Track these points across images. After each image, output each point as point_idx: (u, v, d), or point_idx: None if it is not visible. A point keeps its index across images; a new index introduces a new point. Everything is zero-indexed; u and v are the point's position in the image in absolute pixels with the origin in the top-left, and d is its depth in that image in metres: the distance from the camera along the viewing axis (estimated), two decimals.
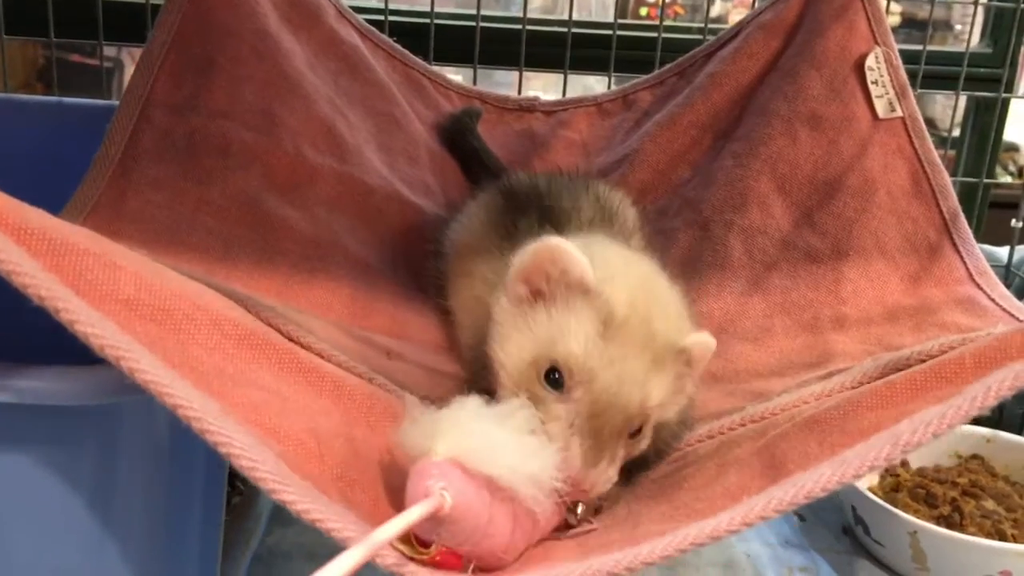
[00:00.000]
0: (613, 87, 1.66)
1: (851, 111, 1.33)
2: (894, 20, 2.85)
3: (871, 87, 1.33)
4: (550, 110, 1.63)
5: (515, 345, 0.83)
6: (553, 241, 0.83)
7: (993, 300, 1.19)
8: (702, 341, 0.86)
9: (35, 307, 0.60)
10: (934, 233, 1.29)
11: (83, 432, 0.73)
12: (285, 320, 0.92)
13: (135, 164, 1.14)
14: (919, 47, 1.64)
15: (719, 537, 0.62)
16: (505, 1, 3.09)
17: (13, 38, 1.63)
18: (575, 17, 1.66)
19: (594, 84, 2.24)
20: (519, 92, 1.70)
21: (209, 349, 0.76)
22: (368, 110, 1.42)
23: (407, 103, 1.51)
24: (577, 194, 1.20)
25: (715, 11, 3.48)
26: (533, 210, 1.12)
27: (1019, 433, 1.41)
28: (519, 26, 1.66)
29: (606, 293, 0.81)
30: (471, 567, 0.71)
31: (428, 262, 1.29)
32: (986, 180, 1.76)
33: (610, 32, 1.68)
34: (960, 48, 1.80)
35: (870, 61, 1.33)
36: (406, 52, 1.57)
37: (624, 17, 2.79)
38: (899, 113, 1.32)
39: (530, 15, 1.67)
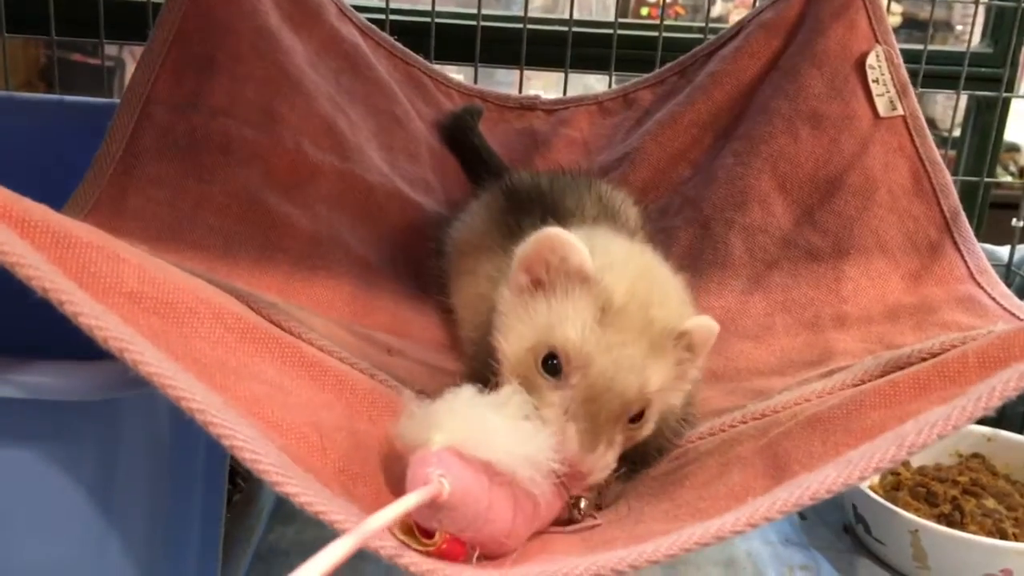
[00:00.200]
0: (614, 86, 1.66)
1: (852, 109, 1.33)
2: (895, 20, 2.85)
3: (872, 85, 1.33)
4: (551, 109, 1.63)
5: (516, 334, 0.84)
6: (554, 230, 0.84)
7: (994, 299, 1.19)
8: (703, 324, 0.86)
9: (38, 301, 0.60)
10: (935, 232, 1.29)
11: (84, 427, 0.73)
12: (287, 316, 0.92)
13: (136, 162, 1.14)
14: (920, 47, 1.64)
15: (724, 537, 0.62)
16: (506, 0, 3.09)
17: (14, 36, 1.63)
18: (576, 16, 1.66)
19: (595, 83, 2.24)
20: (520, 91, 1.70)
21: (212, 342, 0.76)
22: (369, 108, 1.42)
23: (408, 101, 1.51)
24: (580, 193, 1.20)
25: (716, 11, 3.48)
26: (536, 209, 1.12)
27: (1020, 432, 1.40)
28: (520, 25, 1.67)
29: (605, 281, 0.82)
30: (475, 554, 0.71)
31: (430, 260, 1.29)
32: (987, 179, 1.76)
33: (611, 31, 1.68)
34: (961, 48, 1.80)
35: (871, 59, 1.34)
36: (407, 51, 1.58)
37: (625, 16, 2.78)
38: (900, 111, 1.33)
39: (531, 14, 1.67)
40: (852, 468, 0.63)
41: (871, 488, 1.27)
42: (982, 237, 1.42)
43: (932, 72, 1.64)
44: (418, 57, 1.59)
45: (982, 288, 1.22)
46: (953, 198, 1.30)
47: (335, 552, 0.56)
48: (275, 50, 1.27)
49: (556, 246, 0.83)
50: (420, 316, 1.24)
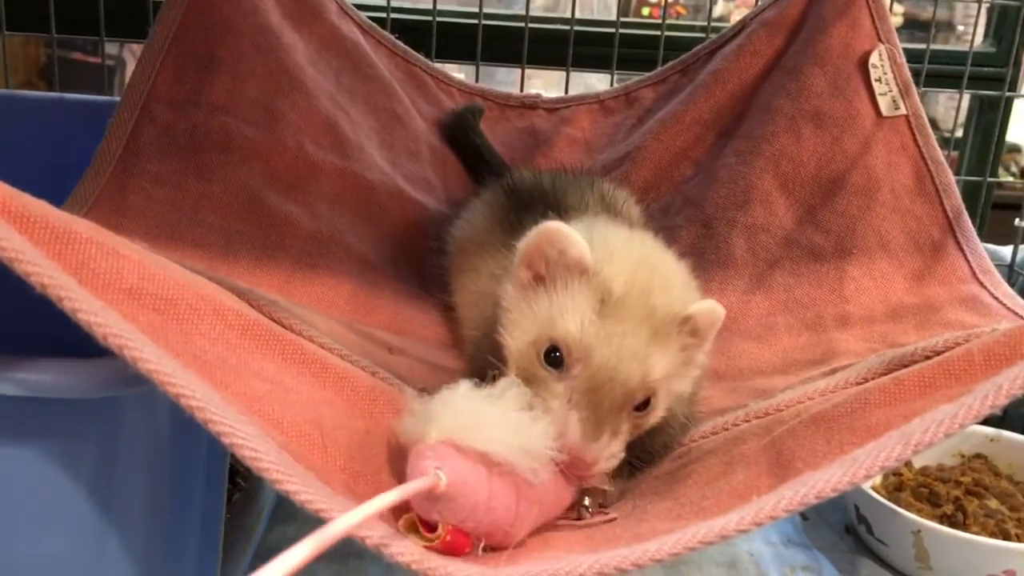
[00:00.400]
0: (615, 85, 1.66)
1: (855, 109, 1.33)
2: (897, 20, 2.84)
3: (875, 84, 1.33)
4: (552, 107, 1.62)
5: (519, 329, 0.85)
6: (552, 224, 0.85)
7: (996, 298, 1.19)
8: (707, 307, 0.85)
9: (37, 298, 0.59)
10: (938, 231, 1.28)
11: (84, 425, 0.73)
12: (288, 314, 0.91)
13: (136, 160, 1.14)
14: (922, 46, 1.64)
15: (728, 536, 0.62)
16: None
17: (14, 34, 1.63)
18: (577, 15, 1.66)
19: (596, 82, 2.23)
20: (521, 90, 1.70)
21: (212, 339, 0.76)
22: (370, 107, 1.42)
23: (409, 100, 1.51)
24: (582, 192, 1.20)
25: (717, 10, 3.47)
26: (538, 207, 1.12)
27: (1023, 432, 1.40)
28: (521, 24, 1.66)
29: (604, 272, 0.83)
30: (481, 545, 0.71)
31: (431, 258, 1.29)
32: (989, 179, 1.75)
33: (612, 30, 1.68)
34: (963, 48, 1.80)
35: (874, 58, 1.33)
36: (408, 49, 1.57)
37: (626, 15, 2.78)
38: (903, 111, 1.32)
39: (532, 13, 1.67)
40: (858, 466, 0.63)
41: (873, 488, 1.27)
42: (984, 238, 1.42)
43: (934, 72, 1.63)
44: (419, 55, 1.59)
45: (985, 288, 1.21)
46: (956, 198, 1.29)
47: (322, 537, 0.56)
48: (276, 48, 1.27)
49: (555, 239, 0.84)
50: (421, 314, 1.24)
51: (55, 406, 0.70)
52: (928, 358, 0.90)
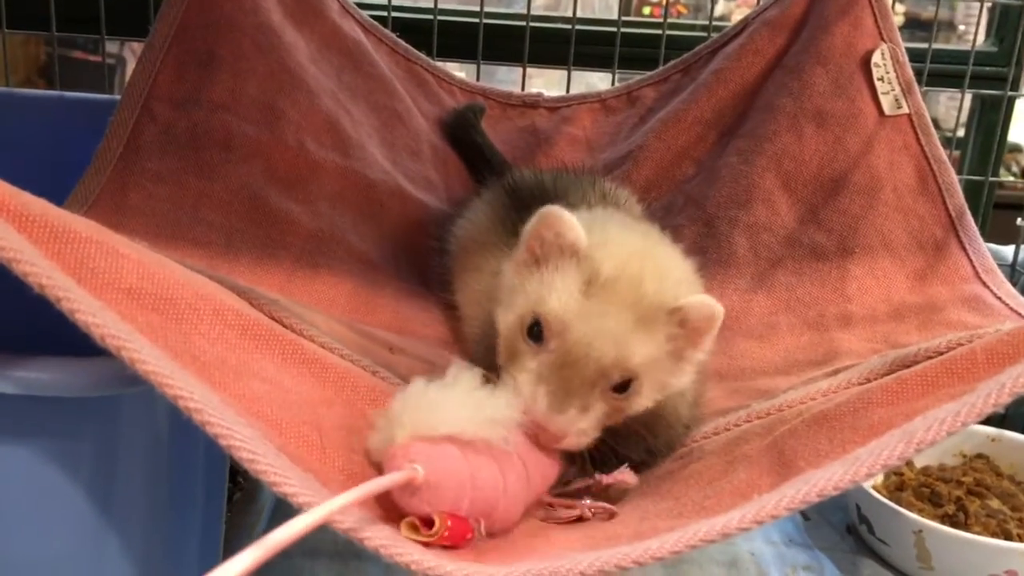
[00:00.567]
0: (617, 84, 1.66)
1: (857, 108, 1.33)
2: (898, 20, 2.84)
3: (877, 83, 1.33)
4: (554, 106, 1.62)
5: (510, 306, 0.86)
6: (553, 208, 0.86)
7: (999, 298, 1.19)
8: (700, 301, 0.84)
9: (36, 297, 0.59)
10: (940, 231, 1.28)
11: (83, 424, 0.73)
12: (288, 313, 0.91)
13: (137, 158, 1.14)
14: (924, 45, 1.64)
15: (729, 534, 0.62)
16: None
17: (14, 32, 1.63)
18: (579, 14, 1.66)
19: (597, 82, 2.23)
20: (522, 89, 1.70)
21: (211, 339, 0.76)
22: (371, 105, 1.42)
23: (410, 98, 1.51)
24: (583, 190, 1.19)
25: (718, 10, 3.46)
26: (539, 206, 1.12)
27: None
28: (523, 23, 1.66)
29: (595, 255, 0.84)
30: (481, 526, 0.72)
31: (432, 257, 1.28)
32: (991, 179, 1.75)
33: (614, 29, 1.67)
34: (964, 47, 1.80)
35: (876, 57, 1.33)
36: (409, 48, 1.57)
37: (628, 14, 2.78)
38: (905, 110, 1.32)
39: (534, 12, 1.67)
40: (860, 465, 0.62)
41: (875, 488, 1.27)
42: (987, 237, 1.41)
43: (936, 71, 1.63)
44: (420, 54, 1.59)
45: (988, 287, 1.21)
46: (958, 197, 1.29)
47: (294, 527, 0.56)
48: (277, 46, 1.27)
49: (552, 222, 0.85)
50: (422, 313, 1.24)
51: (54, 405, 0.70)
52: (931, 359, 0.90)
